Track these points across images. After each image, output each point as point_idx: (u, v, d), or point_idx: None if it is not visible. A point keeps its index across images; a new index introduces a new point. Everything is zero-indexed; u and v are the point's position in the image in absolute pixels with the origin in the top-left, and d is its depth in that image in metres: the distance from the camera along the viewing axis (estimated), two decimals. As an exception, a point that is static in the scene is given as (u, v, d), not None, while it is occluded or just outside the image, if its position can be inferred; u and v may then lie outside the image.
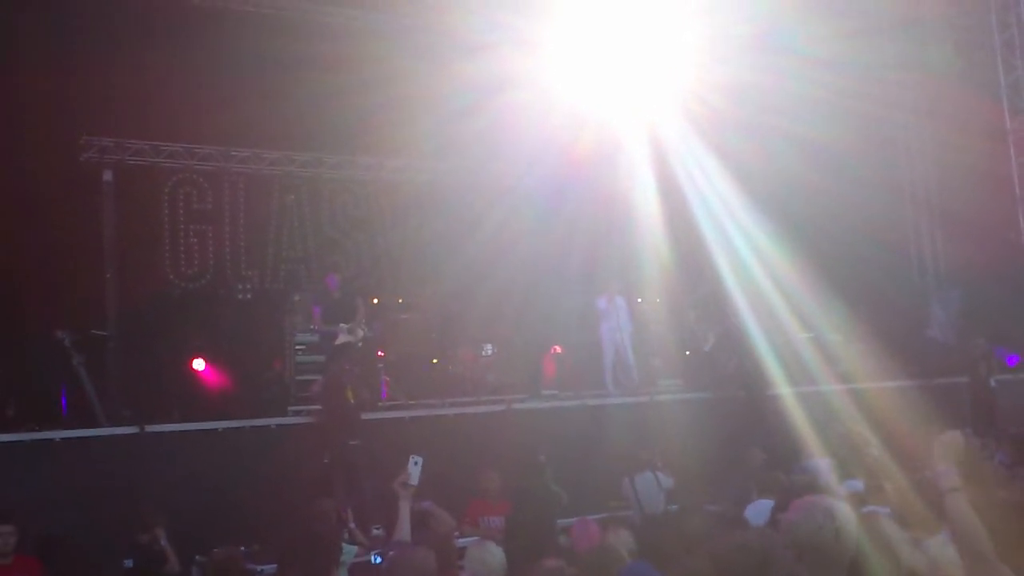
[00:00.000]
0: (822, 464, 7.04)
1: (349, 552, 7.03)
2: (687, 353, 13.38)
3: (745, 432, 10.23)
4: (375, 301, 12.74)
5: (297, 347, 11.60)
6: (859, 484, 6.15)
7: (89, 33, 11.25)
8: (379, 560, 6.91)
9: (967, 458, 3.16)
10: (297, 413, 10.48)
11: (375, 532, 8.13)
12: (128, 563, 6.82)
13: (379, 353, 11.72)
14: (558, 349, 13.53)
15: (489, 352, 12.88)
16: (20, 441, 8.46)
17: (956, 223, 15.00)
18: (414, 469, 4.71)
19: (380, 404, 10.92)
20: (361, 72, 11.51)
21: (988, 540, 2.97)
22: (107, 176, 12.21)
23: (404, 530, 4.74)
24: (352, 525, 8.00)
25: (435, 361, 12.41)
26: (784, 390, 10.73)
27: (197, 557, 7.49)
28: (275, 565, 6.09)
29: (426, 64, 12.33)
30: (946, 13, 14.64)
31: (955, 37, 14.74)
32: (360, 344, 10.90)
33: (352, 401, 9.55)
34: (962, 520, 3.01)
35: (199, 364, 11.04)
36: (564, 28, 13.06)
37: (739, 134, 13.27)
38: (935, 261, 16.36)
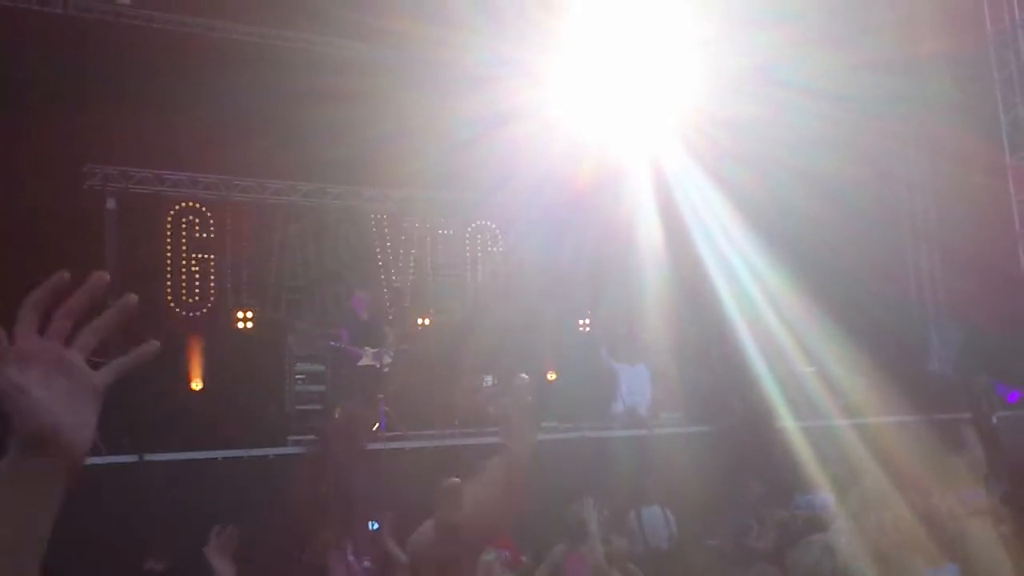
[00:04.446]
0: (822, 498, 7.01)
1: (346, 583, 6.98)
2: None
3: (745, 465, 10.18)
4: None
5: (297, 376, 11.58)
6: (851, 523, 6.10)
7: (94, 63, 11.35)
8: (376, 527, 6.84)
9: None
10: (297, 443, 10.45)
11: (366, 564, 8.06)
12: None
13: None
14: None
15: (490, 383, 12.86)
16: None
17: (956, 258, 15.02)
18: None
19: (380, 435, 10.89)
20: (365, 103, 11.58)
21: (1009, 569, 2.90)
22: (110, 204, 12.26)
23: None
24: (351, 558, 7.93)
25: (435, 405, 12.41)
26: (786, 423, 10.70)
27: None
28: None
29: (430, 96, 12.41)
30: (945, 49, 14.73)
31: (954, 73, 14.83)
32: (385, 370, 10.93)
33: (355, 432, 9.53)
34: (983, 545, 2.93)
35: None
36: (567, 61, 13.16)
37: (739, 166, 13.32)
38: (935, 295, 16.36)
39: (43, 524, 1.14)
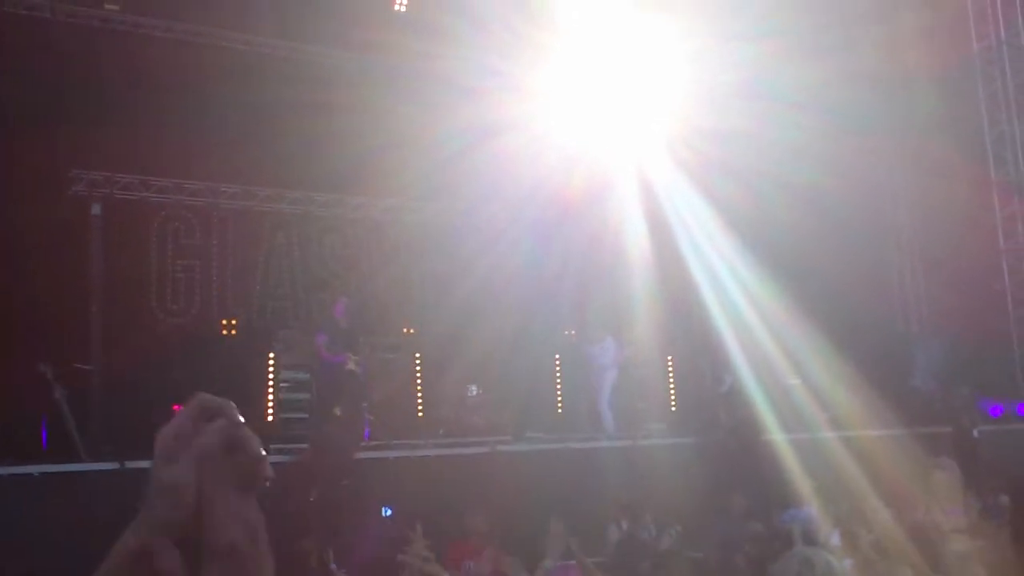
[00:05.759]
0: (807, 513, 7.02)
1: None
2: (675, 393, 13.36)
3: (730, 478, 10.20)
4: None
5: (282, 384, 11.53)
6: (836, 536, 6.12)
7: (81, 69, 11.32)
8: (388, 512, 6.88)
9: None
10: (279, 451, 10.40)
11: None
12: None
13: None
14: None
15: (474, 393, 12.84)
16: (-2, 475, 8.37)
17: (940, 272, 15.12)
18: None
19: (364, 444, 10.87)
20: (353, 113, 11.59)
21: None
22: (95, 210, 12.14)
23: None
24: (333, 565, 7.89)
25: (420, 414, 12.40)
26: (773, 436, 10.73)
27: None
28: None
29: (418, 107, 12.41)
30: (931, 65, 14.86)
31: (940, 88, 14.95)
32: (361, 378, 10.95)
33: (348, 441, 9.54)
34: (963, 563, 2.94)
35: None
36: (556, 74, 13.21)
37: (726, 177, 13.39)
38: (919, 309, 16.45)
39: None
